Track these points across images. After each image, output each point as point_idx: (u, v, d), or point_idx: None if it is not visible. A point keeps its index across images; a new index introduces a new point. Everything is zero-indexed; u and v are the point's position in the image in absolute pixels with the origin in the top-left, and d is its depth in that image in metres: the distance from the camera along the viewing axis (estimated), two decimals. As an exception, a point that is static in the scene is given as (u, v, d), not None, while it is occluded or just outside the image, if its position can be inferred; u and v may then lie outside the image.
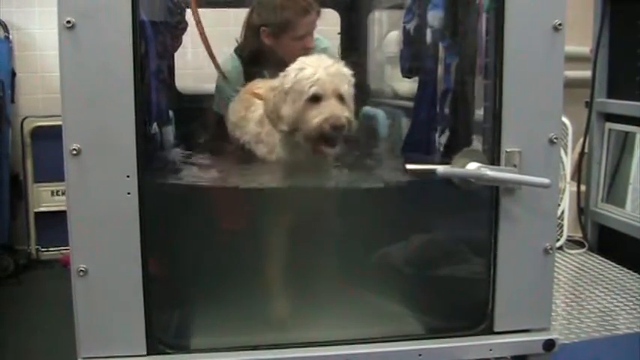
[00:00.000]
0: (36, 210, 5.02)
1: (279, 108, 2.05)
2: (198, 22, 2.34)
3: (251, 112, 2.29)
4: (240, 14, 2.73)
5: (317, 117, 1.97)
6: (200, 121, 2.72)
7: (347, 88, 2.03)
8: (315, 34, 2.60)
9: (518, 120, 1.82)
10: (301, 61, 2.08)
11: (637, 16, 3.58)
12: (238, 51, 2.67)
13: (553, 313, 1.99)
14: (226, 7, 2.68)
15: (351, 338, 1.89)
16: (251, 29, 2.63)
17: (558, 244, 3.50)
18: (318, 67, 2.02)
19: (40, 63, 5.05)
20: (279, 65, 2.18)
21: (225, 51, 2.66)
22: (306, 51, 2.14)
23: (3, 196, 4.73)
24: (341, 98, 2.01)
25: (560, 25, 1.80)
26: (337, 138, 2.01)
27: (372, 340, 1.88)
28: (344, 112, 1.98)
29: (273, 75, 2.18)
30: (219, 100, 2.67)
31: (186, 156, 2.40)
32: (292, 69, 2.06)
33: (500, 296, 1.89)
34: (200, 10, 2.37)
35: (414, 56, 2.59)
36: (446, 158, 1.88)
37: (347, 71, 2.07)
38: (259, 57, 2.55)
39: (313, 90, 1.98)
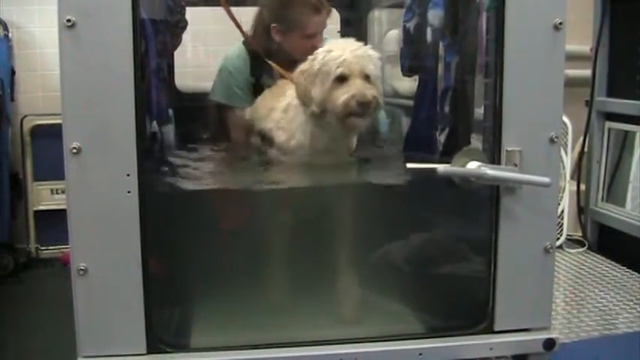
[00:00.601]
0: (36, 208, 5.01)
1: (309, 90, 2.12)
2: None
3: (279, 101, 2.33)
4: (245, 12, 2.73)
5: (344, 95, 2.04)
6: (200, 118, 2.72)
7: (373, 68, 2.10)
8: (324, 34, 2.61)
9: (518, 119, 1.82)
10: (329, 44, 2.18)
11: (637, 15, 3.58)
12: (246, 43, 2.67)
13: (553, 313, 1.99)
14: (234, 5, 2.67)
15: (351, 337, 1.88)
16: (261, 24, 2.63)
17: (558, 243, 3.50)
18: (345, 49, 2.10)
19: (39, 61, 5.04)
20: (287, 62, 2.27)
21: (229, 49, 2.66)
22: (315, 50, 2.16)
23: (3, 194, 4.72)
24: (367, 78, 2.07)
25: (560, 24, 1.79)
26: (365, 114, 2.07)
27: (373, 339, 1.88)
28: (370, 90, 2.04)
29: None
30: (220, 89, 2.67)
31: (186, 154, 2.41)
32: (320, 52, 2.14)
33: (501, 295, 1.89)
34: (205, 9, 2.37)
35: (414, 55, 2.59)
36: (446, 157, 1.87)
37: (373, 53, 2.14)
38: (268, 53, 2.55)
39: (340, 71, 2.06)
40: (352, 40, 2.18)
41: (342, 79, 2.06)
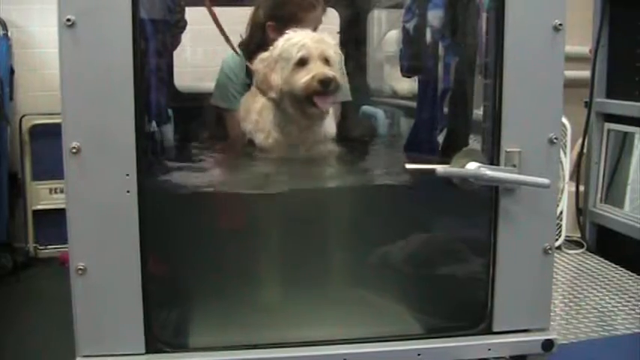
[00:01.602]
0: (34, 208, 5.01)
1: (268, 77, 2.18)
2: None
3: (255, 102, 2.37)
4: (241, 12, 2.73)
5: (305, 77, 2.11)
6: (199, 119, 2.72)
7: (332, 53, 2.17)
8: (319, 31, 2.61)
9: (517, 120, 1.82)
10: (289, 33, 2.23)
11: (636, 17, 3.59)
12: (242, 46, 2.67)
13: (551, 314, 1.99)
14: (229, 5, 2.67)
15: (349, 338, 1.88)
16: (257, 25, 2.64)
17: (557, 244, 3.50)
18: (305, 36, 2.18)
19: (39, 61, 5.03)
20: None
21: (227, 50, 2.66)
22: None
23: (1, 194, 4.72)
24: (327, 61, 2.14)
25: (560, 25, 1.80)
26: (326, 92, 2.12)
27: (371, 339, 1.88)
28: (330, 71, 2.11)
29: None
30: (219, 94, 2.67)
31: (186, 154, 2.41)
32: (280, 40, 2.21)
33: (500, 296, 1.89)
34: (204, 9, 2.38)
35: (414, 55, 2.59)
36: (445, 158, 1.87)
37: (331, 40, 2.22)
38: (264, 52, 2.56)
39: (300, 54, 2.13)
40: (310, 31, 2.27)
41: (302, 63, 2.13)
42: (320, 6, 2.58)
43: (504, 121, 1.82)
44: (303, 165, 2.28)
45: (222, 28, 2.44)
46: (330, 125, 2.32)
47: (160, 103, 2.33)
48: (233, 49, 2.59)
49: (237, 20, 2.76)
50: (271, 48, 2.21)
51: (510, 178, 1.80)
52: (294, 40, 2.16)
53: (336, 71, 2.15)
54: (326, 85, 2.10)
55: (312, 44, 2.14)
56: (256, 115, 2.35)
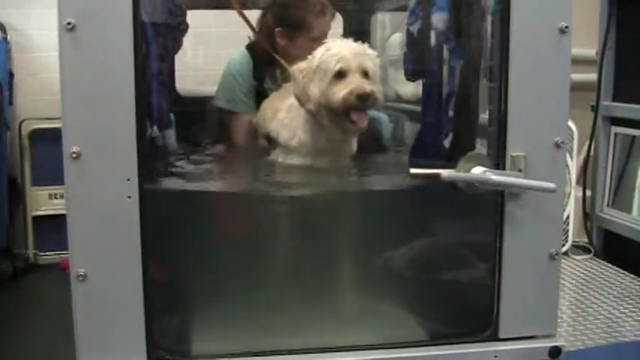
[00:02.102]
0: (34, 214, 5.02)
1: (307, 87, 2.16)
2: None
3: (284, 103, 2.37)
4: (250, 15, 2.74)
5: (342, 90, 2.08)
6: (201, 122, 2.73)
7: (372, 66, 2.15)
8: (328, 37, 2.62)
9: (523, 124, 1.82)
10: (328, 42, 2.22)
11: (644, 19, 3.58)
12: (250, 48, 2.68)
13: (558, 320, 1.99)
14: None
15: (353, 345, 1.88)
16: (265, 28, 2.64)
17: (563, 249, 3.49)
18: (344, 47, 2.16)
19: (38, 64, 5.05)
20: (292, 66, 2.28)
21: (235, 52, 2.67)
22: None
23: (1, 199, 4.73)
24: (365, 74, 2.12)
25: (566, 27, 1.80)
26: (364, 108, 2.11)
27: (375, 346, 1.88)
28: (369, 85, 2.09)
29: (284, 76, 2.25)
30: (223, 95, 2.68)
31: (187, 158, 2.41)
32: (319, 50, 2.19)
33: (506, 302, 1.89)
34: (207, 12, 2.39)
35: (418, 59, 2.60)
36: (450, 162, 1.87)
37: (372, 52, 2.19)
38: (272, 57, 2.57)
39: (338, 66, 2.11)
40: (350, 41, 2.22)
41: (340, 75, 2.11)
42: (329, 11, 2.58)
43: (510, 124, 1.82)
44: (318, 173, 2.27)
45: (244, 16, 2.44)
46: (353, 143, 2.31)
47: (162, 107, 2.33)
48: (252, 29, 2.58)
49: (243, 24, 2.77)
50: (310, 57, 2.19)
51: (516, 182, 1.80)
52: (333, 50, 2.14)
53: (375, 84, 2.14)
54: (364, 100, 2.08)
55: (351, 56, 2.12)
56: (284, 114, 2.34)
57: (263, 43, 2.62)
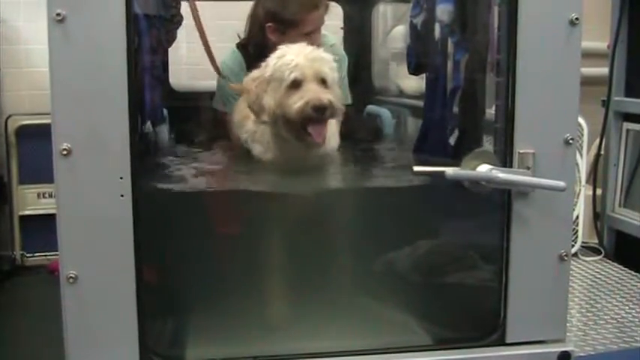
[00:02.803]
0: (21, 213, 5.01)
1: (261, 98, 2.14)
2: (195, 13, 2.37)
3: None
4: (242, 7, 2.74)
5: (298, 102, 2.05)
6: (196, 118, 2.73)
7: (328, 72, 2.12)
8: (322, 31, 2.61)
9: (531, 120, 1.83)
10: (282, 49, 2.18)
11: (657, 11, 3.59)
12: (241, 46, 2.68)
13: (568, 324, 2.00)
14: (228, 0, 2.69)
15: (354, 349, 1.89)
16: (256, 24, 2.64)
17: (573, 250, 3.50)
18: (298, 54, 2.12)
19: (25, 58, 5.04)
20: None
21: (226, 47, 2.67)
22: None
23: (-14, 198, 4.73)
24: (323, 82, 2.09)
25: (576, 19, 1.80)
26: (322, 122, 2.07)
27: (377, 351, 1.89)
28: (326, 94, 2.05)
29: None
30: (220, 97, 2.68)
31: (182, 156, 2.42)
32: (272, 57, 2.16)
33: (513, 305, 1.89)
34: (199, 4, 2.39)
35: (422, 52, 2.60)
36: (455, 160, 1.88)
37: (327, 56, 2.16)
38: (264, 53, 2.56)
39: (293, 76, 2.08)
40: (305, 44, 2.20)
41: (295, 85, 2.08)
42: (323, 5, 2.57)
43: (517, 121, 1.82)
44: (305, 174, 2.26)
45: (206, 42, 2.42)
46: (332, 138, 2.27)
47: (155, 102, 2.34)
48: (216, 70, 2.58)
49: (236, 16, 2.77)
50: (263, 65, 2.18)
51: (524, 180, 1.80)
52: (287, 58, 2.12)
53: (334, 92, 2.11)
54: (321, 112, 2.05)
55: (306, 63, 2.09)
56: (253, 125, 2.31)
57: (253, 40, 2.62)
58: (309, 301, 2.04)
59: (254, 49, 2.60)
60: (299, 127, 2.08)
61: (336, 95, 2.11)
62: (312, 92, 2.05)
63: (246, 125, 2.34)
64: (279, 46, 2.21)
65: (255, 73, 2.19)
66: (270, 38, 2.56)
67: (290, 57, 2.11)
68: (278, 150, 2.21)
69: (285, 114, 2.08)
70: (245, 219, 2.15)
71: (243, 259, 2.07)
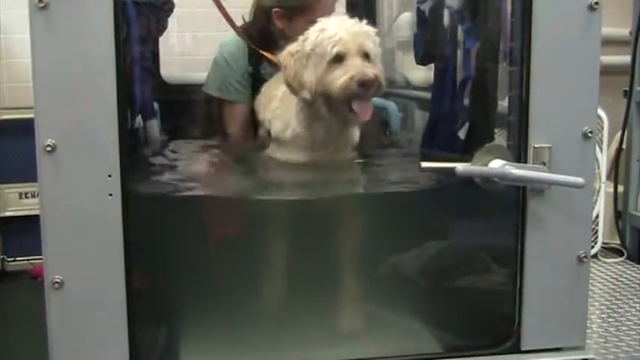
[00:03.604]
0: (1, 215, 5.02)
1: (300, 74, 2.14)
2: None
3: (278, 89, 2.37)
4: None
5: (342, 76, 2.06)
6: (189, 112, 2.73)
7: (372, 46, 2.13)
8: None
9: (547, 112, 1.83)
10: (322, 22, 2.18)
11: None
12: (244, 30, 2.68)
13: (587, 330, 2.00)
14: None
15: (362, 357, 1.90)
16: (261, 10, 2.65)
17: (593, 251, 3.51)
18: (340, 27, 2.12)
19: (4, 48, 5.05)
20: None
21: (228, 33, 2.68)
22: None
23: (-36, 199, 4.73)
24: (366, 56, 2.11)
25: (596, 3, 1.80)
26: (367, 98, 2.09)
27: (386, 358, 1.90)
28: (371, 69, 2.07)
29: None
30: (214, 82, 2.68)
31: (174, 152, 2.42)
32: (312, 31, 2.16)
33: (529, 310, 1.90)
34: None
35: (430, 41, 2.60)
36: (466, 155, 1.88)
37: (370, 29, 2.17)
38: (269, 40, 2.57)
39: (336, 50, 2.08)
40: (346, 17, 2.20)
41: (338, 59, 2.09)
42: None
43: (532, 113, 1.83)
44: (320, 170, 2.27)
45: (225, 12, 2.44)
46: (357, 130, 2.30)
47: (145, 95, 2.34)
48: (240, 34, 2.58)
49: (239, 3, 2.77)
50: (301, 39, 2.18)
51: (539, 177, 1.80)
52: (329, 32, 2.12)
53: (378, 67, 2.12)
54: (367, 87, 2.06)
55: (349, 37, 2.10)
56: (277, 102, 2.34)
57: (257, 25, 2.63)
58: (314, 306, 2.05)
59: (258, 34, 2.61)
60: (342, 103, 2.10)
61: (380, 70, 2.12)
62: (356, 67, 2.06)
63: (271, 104, 2.38)
64: (320, 19, 2.20)
65: (293, 46, 2.19)
66: (276, 24, 2.57)
67: (332, 30, 2.12)
68: (303, 129, 2.23)
69: (328, 90, 2.10)
70: (243, 219, 2.16)
71: (241, 261, 2.08)
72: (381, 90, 2.14)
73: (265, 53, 2.50)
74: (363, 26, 2.16)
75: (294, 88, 2.18)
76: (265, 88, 2.53)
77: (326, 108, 2.14)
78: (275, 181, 2.34)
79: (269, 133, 2.37)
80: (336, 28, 2.12)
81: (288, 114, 2.27)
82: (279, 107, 2.33)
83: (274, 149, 2.32)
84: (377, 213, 2.15)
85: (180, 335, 2.03)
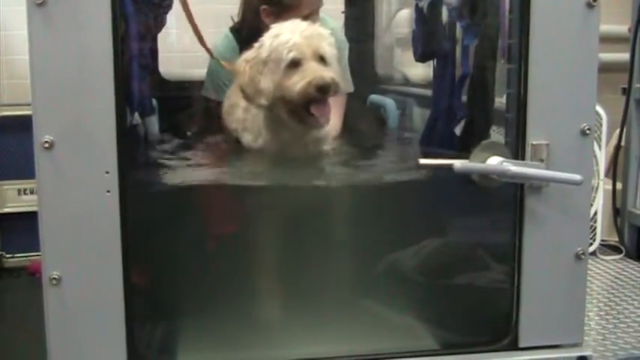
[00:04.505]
0: (0, 211, 5.02)
1: (257, 81, 2.16)
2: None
3: (240, 97, 2.34)
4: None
5: (300, 82, 2.08)
6: (187, 109, 2.73)
7: (327, 48, 2.15)
8: (321, 14, 2.62)
9: (545, 109, 1.83)
10: (276, 27, 2.20)
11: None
12: (234, 30, 2.68)
13: (586, 327, 2.00)
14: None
15: (356, 354, 1.90)
16: (250, 7, 2.65)
17: (591, 249, 3.51)
18: (294, 31, 2.14)
19: (3, 45, 5.04)
20: None
21: (219, 31, 2.68)
22: None
23: (-38, 196, 4.73)
24: (322, 59, 2.12)
25: (594, 0, 1.80)
26: (325, 102, 2.10)
27: (381, 356, 1.90)
28: (327, 72, 2.08)
29: None
30: (210, 84, 2.69)
31: (172, 149, 2.42)
32: (267, 37, 2.18)
33: (526, 308, 1.90)
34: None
35: (428, 38, 2.60)
36: (464, 152, 1.88)
37: (324, 31, 2.19)
38: (258, 38, 2.57)
39: (292, 55, 2.10)
40: (299, 21, 2.22)
41: (295, 65, 2.10)
42: None
43: (530, 110, 1.83)
44: (301, 164, 2.28)
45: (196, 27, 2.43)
46: (333, 123, 2.30)
47: (144, 91, 2.34)
48: (207, 51, 2.58)
49: (229, 0, 2.78)
50: (256, 46, 2.19)
51: (537, 174, 1.81)
52: (283, 37, 2.13)
53: (334, 69, 2.13)
54: (324, 91, 2.07)
55: (304, 41, 2.11)
56: (243, 113, 2.35)
57: (246, 24, 2.63)
58: (309, 303, 2.05)
59: (248, 33, 2.60)
60: (301, 108, 2.11)
61: (337, 72, 2.13)
62: (313, 71, 2.08)
63: (236, 113, 2.38)
64: (272, 25, 2.22)
65: (248, 54, 2.21)
66: (265, 22, 2.57)
67: (286, 36, 2.13)
68: (272, 136, 2.25)
69: (286, 96, 2.11)
70: (240, 216, 2.16)
71: (239, 259, 2.08)
72: (340, 90, 2.15)
73: (223, 63, 2.51)
74: (317, 29, 2.18)
75: (248, 94, 2.20)
76: (228, 94, 2.53)
77: (285, 113, 2.15)
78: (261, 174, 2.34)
79: (237, 140, 2.38)
80: (290, 33, 2.14)
81: (256, 125, 2.29)
82: (246, 119, 2.34)
83: (247, 156, 2.33)
84: (374, 209, 2.15)
85: (178, 331, 2.03)
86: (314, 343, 1.99)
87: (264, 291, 2.11)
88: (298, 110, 2.12)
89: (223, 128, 2.51)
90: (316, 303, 2.05)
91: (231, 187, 2.25)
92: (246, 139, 2.33)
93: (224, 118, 2.51)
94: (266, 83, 2.14)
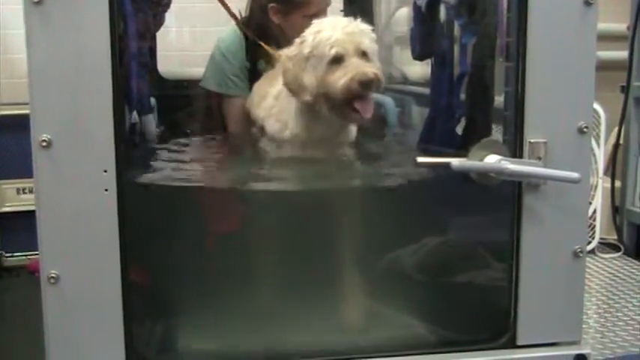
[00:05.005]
0: (-1, 210, 5.03)
1: (300, 77, 2.16)
2: None
3: (272, 86, 2.39)
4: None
5: (342, 78, 2.08)
6: (186, 107, 2.74)
7: (369, 44, 2.16)
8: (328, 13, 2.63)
9: (543, 107, 1.83)
10: (317, 24, 2.21)
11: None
12: (243, 23, 2.69)
13: (584, 325, 2.00)
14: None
15: (356, 351, 1.90)
16: (257, 5, 2.65)
17: (590, 247, 3.51)
18: (335, 28, 2.15)
19: (2, 44, 5.05)
20: (287, 45, 2.28)
21: (224, 29, 2.68)
22: None
23: (-39, 194, 4.74)
24: (364, 55, 2.13)
25: (592, -2, 1.81)
26: (368, 97, 2.11)
27: (380, 353, 1.90)
28: (370, 68, 2.09)
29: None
30: (212, 76, 2.69)
31: (171, 148, 2.42)
32: (309, 33, 2.18)
33: (524, 305, 1.90)
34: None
35: (426, 36, 2.60)
36: (462, 150, 1.89)
37: (366, 27, 2.19)
38: (265, 35, 2.58)
39: (334, 51, 2.10)
40: (340, 17, 2.26)
41: (337, 60, 2.11)
42: None
43: (528, 108, 1.83)
44: (316, 165, 2.28)
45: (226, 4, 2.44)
46: (354, 128, 2.33)
47: (142, 90, 2.34)
48: (235, 20, 2.58)
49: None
50: (298, 42, 2.20)
51: (535, 172, 1.81)
52: (325, 33, 2.14)
53: (376, 64, 2.14)
54: (367, 87, 2.09)
55: (346, 37, 2.12)
56: (272, 101, 2.36)
57: (254, 21, 2.63)
58: (308, 300, 2.05)
59: (255, 29, 2.61)
60: (344, 104, 2.11)
61: (378, 67, 2.14)
62: (355, 67, 2.08)
63: (264, 102, 2.39)
64: (314, 21, 2.23)
65: (291, 50, 2.22)
66: (273, 19, 2.58)
67: (328, 32, 2.14)
68: (302, 130, 2.25)
69: (329, 92, 2.12)
70: (241, 214, 2.16)
71: (239, 258, 2.08)
72: (381, 87, 2.17)
73: (264, 45, 2.51)
74: (358, 25, 2.18)
75: (294, 90, 2.20)
76: (257, 87, 2.55)
77: (327, 108, 2.16)
78: (271, 176, 2.34)
79: (262, 130, 2.37)
80: (331, 29, 2.14)
81: (286, 114, 2.29)
82: (274, 106, 2.35)
83: (268, 145, 2.33)
84: (372, 209, 2.16)
85: (176, 329, 2.03)
86: (312, 341, 1.99)
87: (268, 290, 2.11)
88: (341, 106, 2.13)
89: (238, 119, 2.53)
90: (316, 301, 2.05)
91: (231, 187, 2.26)
92: (272, 127, 2.33)
93: (250, 106, 2.53)
94: (309, 79, 2.15)
